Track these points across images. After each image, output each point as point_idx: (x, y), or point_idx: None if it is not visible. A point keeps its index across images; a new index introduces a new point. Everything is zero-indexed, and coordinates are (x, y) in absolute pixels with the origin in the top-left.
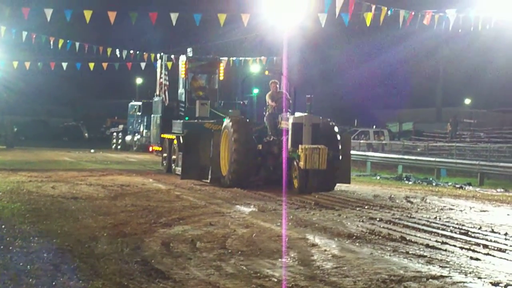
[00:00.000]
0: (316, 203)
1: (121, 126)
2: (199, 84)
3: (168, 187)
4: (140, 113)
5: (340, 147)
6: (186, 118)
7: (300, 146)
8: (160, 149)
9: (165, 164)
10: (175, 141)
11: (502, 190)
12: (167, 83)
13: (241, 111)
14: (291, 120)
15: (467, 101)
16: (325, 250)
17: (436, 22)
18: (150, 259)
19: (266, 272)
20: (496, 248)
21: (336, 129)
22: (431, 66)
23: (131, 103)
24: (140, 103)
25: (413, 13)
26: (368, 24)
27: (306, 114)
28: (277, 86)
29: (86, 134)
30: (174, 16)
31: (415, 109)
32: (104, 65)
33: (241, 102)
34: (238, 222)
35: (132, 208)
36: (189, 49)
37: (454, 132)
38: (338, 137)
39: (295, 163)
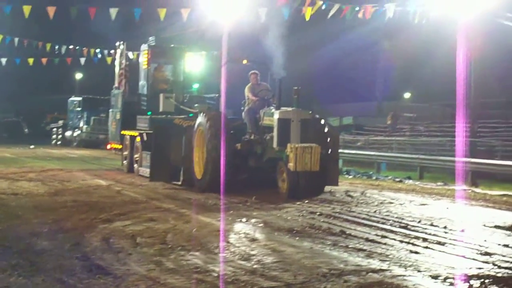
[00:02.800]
0: (256, 197)
1: (61, 122)
2: (163, 76)
3: (109, 182)
4: (80, 109)
5: (330, 145)
6: (149, 113)
7: (288, 145)
8: (120, 147)
9: (125, 164)
10: (138, 139)
11: (441, 183)
12: (128, 74)
13: (210, 105)
14: (276, 116)
15: (407, 95)
16: (265, 245)
17: (371, 16)
18: (90, 255)
19: (206, 267)
20: (435, 242)
21: (325, 124)
22: (371, 60)
23: (71, 98)
24: (80, 98)
25: (349, 7)
26: (307, 19)
27: (293, 108)
28: (258, 78)
29: (26, 130)
30: (113, 11)
31: (355, 103)
32: (44, 60)
33: (215, 95)
34: (179, 217)
35: (73, 203)
36: (151, 38)
37: (394, 126)
38: (328, 134)
39: (282, 164)
